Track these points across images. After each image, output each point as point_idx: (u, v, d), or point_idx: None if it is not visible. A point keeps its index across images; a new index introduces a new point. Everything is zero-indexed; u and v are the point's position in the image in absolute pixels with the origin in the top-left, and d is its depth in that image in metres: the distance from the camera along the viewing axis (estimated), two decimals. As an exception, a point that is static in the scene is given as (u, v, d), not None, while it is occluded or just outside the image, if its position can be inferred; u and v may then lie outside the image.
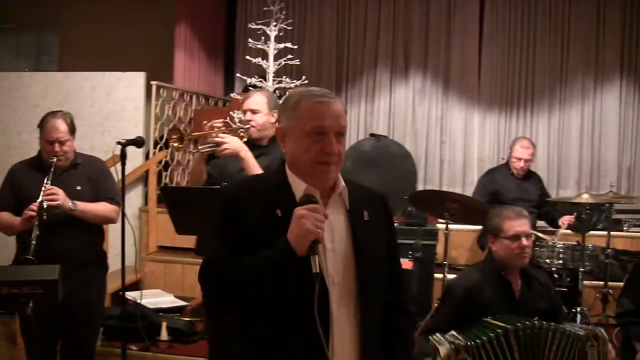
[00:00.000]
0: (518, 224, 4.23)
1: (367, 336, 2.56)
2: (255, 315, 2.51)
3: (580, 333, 3.77)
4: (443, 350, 3.64)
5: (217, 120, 4.58)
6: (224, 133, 4.47)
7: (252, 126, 4.58)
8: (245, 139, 4.52)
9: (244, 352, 2.61)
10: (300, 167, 2.55)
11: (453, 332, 3.82)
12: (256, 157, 4.40)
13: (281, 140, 2.62)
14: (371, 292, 2.57)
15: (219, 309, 2.66)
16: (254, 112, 4.61)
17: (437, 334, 3.84)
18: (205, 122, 4.56)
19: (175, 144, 4.57)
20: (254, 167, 4.33)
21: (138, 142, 4.87)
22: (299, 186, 2.54)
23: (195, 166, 4.83)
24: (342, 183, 2.61)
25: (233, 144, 4.39)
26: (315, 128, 2.49)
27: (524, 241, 4.18)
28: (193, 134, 4.97)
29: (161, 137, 8.67)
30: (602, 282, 6.70)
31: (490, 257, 4.29)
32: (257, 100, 4.64)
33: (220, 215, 2.59)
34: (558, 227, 6.89)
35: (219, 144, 4.40)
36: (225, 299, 2.51)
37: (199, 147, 4.57)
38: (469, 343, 3.68)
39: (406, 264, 6.51)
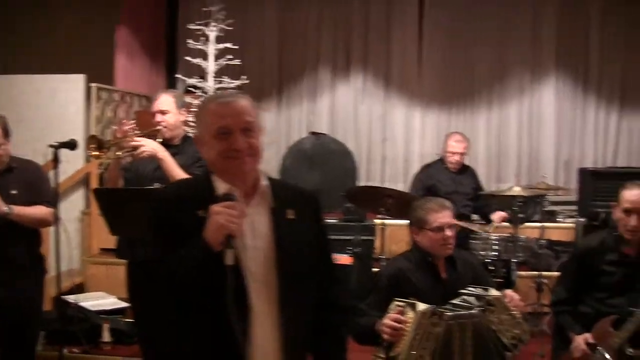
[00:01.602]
0: (442, 215, 4.21)
1: (289, 332, 2.60)
2: (180, 311, 2.57)
3: (475, 312, 3.78)
4: (422, 307, 3.60)
5: (126, 124, 4.63)
6: (138, 136, 4.52)
7: (164, 126, 4.65)
8: (159, 140, 4.57)
9: (169, 348, 2.69)
10: (216, 168, 2.62)
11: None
12: (172, 156, 4.46)
13: (199, 147, 2.70)
14: (292, 289, 2.61)
15: (147, 308, 2.71)
16: (163, 112, 4.68)
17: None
18: (115, 127, 4.59)
19: (94, 153, 4.60)
20: (173, 167, 4.39)
21: (71, 145, 4.83)
22: (222, 187, 2.60)
23: (111, 171, 4.88)
24: (265, 182, 2.67)
25: (150, 146, 4.44)
26: (219, 129, 2.56)
27: (448, 232, 4.19)
28: (110, 140, 4.98)
29: (103, 139, 8.60)
30: (536, 272, 6.81)
31: (416, 247, 4.29)
32: (165, 101, 4.72)
33: (152, 217, 2.66)
34: (490, 221, 7.04)
35: (136, 148, 4.45)
36: (152, 297, 2.58)
37: (117, 153, 4.60)
38: (447, 313, 3.66)
39: (345, 259, 6.60)
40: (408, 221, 4.41)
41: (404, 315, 3.66)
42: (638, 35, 10.41)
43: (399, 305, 3.72)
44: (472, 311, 3.78)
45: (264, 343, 2.57)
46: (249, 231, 2.58)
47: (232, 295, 2.39)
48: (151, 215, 2.67)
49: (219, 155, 2.57)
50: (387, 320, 3.69)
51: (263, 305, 2.57)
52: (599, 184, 6.42)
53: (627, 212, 4.53)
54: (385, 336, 3.69)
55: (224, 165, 2.59)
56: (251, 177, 2.64)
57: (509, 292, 4.00)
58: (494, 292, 3.91)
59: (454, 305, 3.83)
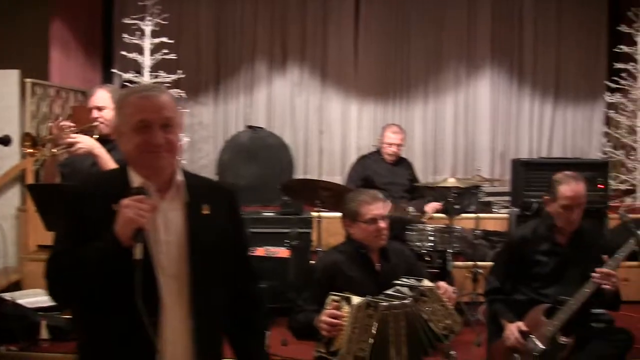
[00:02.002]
0: (375, 207, 4.25)
1: (200, 326, 2.62)
2: (91, 305, 2.54)
3: (408, 301, 3.82)
4: (356, 300, 3.63)
5: (62, 121, 4.58)
6: (74, 133, 4.46)
7: (101, 122, 4.59)
8: (95, 136, 4.51)
9: (84, 341, 2.67)
10: (132, 161, 2.62)
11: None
12: (108, 151, 4.39)
13: (117, 138, 2.69)
14: (204, 284, 2.63)
15: (59, 301, 2.67)
16: (99, 108, 4.61)
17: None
18: (50, 123, 4.54)
19: (29, 150, 4.54)
20: (109, 163, 4.32)
21: (5, 141, 4.77)
22: (137, 181, 2.60)
23: (48, 167, 4.82)
24: (180, 177, 2.67)
25: (85, 142, 4.37)
26: (139, 122, 2.55)
27: (381, 224, 4.24)
28: (45, 137, 4.91)
29: (38, 136, 8.48)
30: (471, 262, 6.88)
31: (349, 239, 4.35)
32: (102, 97, 4.65)
33: (64, 210, 2.64)
34: (425, 212, 7.10)
35: (71, 145, 4.39)
36: (64, 290, 2.56)
37: (53, 150, 4.53)
38: (382, 303, 3.70)
39: (283, 252, 6.61)
40: (341, 213, 4.43)
41: (340, 310, 3.69)
42: (571, 28, 10.65)
43: (334, 300, 3.75)
44: (405, 301, 3.81)
45: (175, 337, 2.58)
46: (162, 225, 2.60)
47: (140, 289, 2.38)
48: (63, 209, 2.65)
49: (136, 148, 2.56)
50: (324, 317, 3.72)
51: (174, 299, 2.58)
52: (531, 175, 6.50)
53: (567, 207, 4.64)
54: (324, 332, 3.72)
55: (140, 158, 2.58)
56: (167, 172, 2.64)
57: (442, 283, 4.05)
58: (427, 283, 3.96)
59: (388, 295, 3.86)
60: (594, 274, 4.46)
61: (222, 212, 2.76)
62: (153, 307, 2.49)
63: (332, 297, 3.76)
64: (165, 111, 2.58)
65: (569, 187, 4.63)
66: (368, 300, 3.67)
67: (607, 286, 4.44)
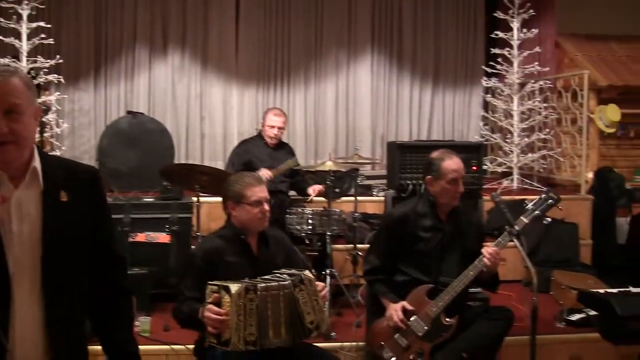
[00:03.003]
0: (259, 189, 4.30)
1: (55, 319, 2.50)
2: None
3: (286, 283, 3.87)
4: (235, 289, 3.63)
5: None
6: None
7: None
8: None
9: None
10: None
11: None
12: None
13: None
14: (60, 275, 2.51)
15: None
16: None
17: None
18: None
19: None
20: None
21: None
22: None
23: None
24: (37, 164, 2.51)
25: None
26: None
27: (265, 206, 4.30)
28: None
29: None
30: (351, 245, 6.95)
31: (230, 223, 4.37)
32: None
33: None
34: (308, 195, 7.17)
35: None
36: None
37: None
38: (260, 285, 3.73)
39: (164, 237, 6.58)
40: (222, 196, 4.44)
41: (221, 300, 3.69)
42: (449, 14, 10.89)
43: (213, 291, 3.75)
44: (283, 282, 3.86)
45: (27, 332, 2.46)
46: (15, 216, 2.44)
47: None
48: None
49: None
50: (207, 313, 3.71)
51: (28, 291, 2.46)
52: (406, 157, 6.60)
53: (454, 181, 4.76)
54: (211, 330, 3.72)
55: None
56: (17, 163, 2.45)
57: (320, 283, 4.09)
58: (307, 274, 4.01)
59: (266, 280, 3.90)
60: (484, 253, 4.57)
61: (83, 196, 2.62)
62: (2, 299, 2.39)
63: (211, 287, 3.77)
64: (9, 96, 2.37)
65: (452, 161, 4.78)
66: (246, 285, 3.70)
67: (489, 267, 4.58)
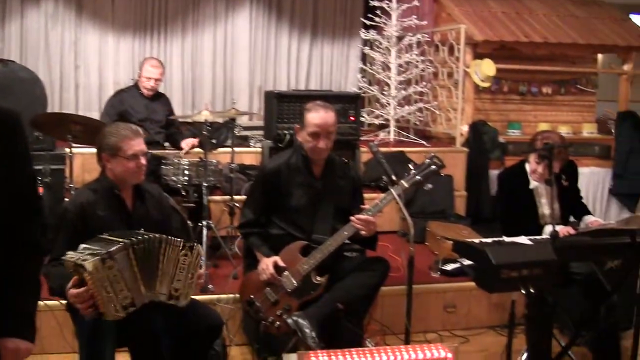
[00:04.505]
0: (137, 143, 4.18)
1: None
2: None
3: (178, 243, 3.79)
4: (90, 265, 3.40)
5: None
6: None
7: None
8: None
9: None
10: None
11: (84, 246, 3.59)
12: None
13: None
14: None
15: None
16: None
17: (70, 253, 3.56)
18: None
19: None
20: None
21: None
22: None
23: None
24: None
25: None
26: None
27: (142, 160, 4.20)
28: None
29: None
30: (228, 196, 6.93)
31: (103, 176, 4.25)
32: None
33: None
34: (181, 149, 7.11)
35: None
36: None
37: None
38: (111, 249, 3.51)
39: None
40: (97, 148, 4.33)
41: (82, 277, 3.47)
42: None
43: (69, 268, 3.53)
44: (151, 236, 3.76)
45: None
46: None
47: None
48: None
49: None
50: (72, 298, 3.55)
51: None
52: (284, 106, 6.62)
53: (315, 134, 4.73)
54: (83, 312, 3.56)
55: None
56: None
57: (201, 271, 4.02)
58: (200, 249, 3.95)
59: (137, 234, 3.78)
60: (353, 219, 4.57)
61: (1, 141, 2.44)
62: None
63: (67, 263, 3.54)
64: None
65: (317, 114, 4.73)
66: (101, 256, 3.46)
67: (364, 232, 4.60)
